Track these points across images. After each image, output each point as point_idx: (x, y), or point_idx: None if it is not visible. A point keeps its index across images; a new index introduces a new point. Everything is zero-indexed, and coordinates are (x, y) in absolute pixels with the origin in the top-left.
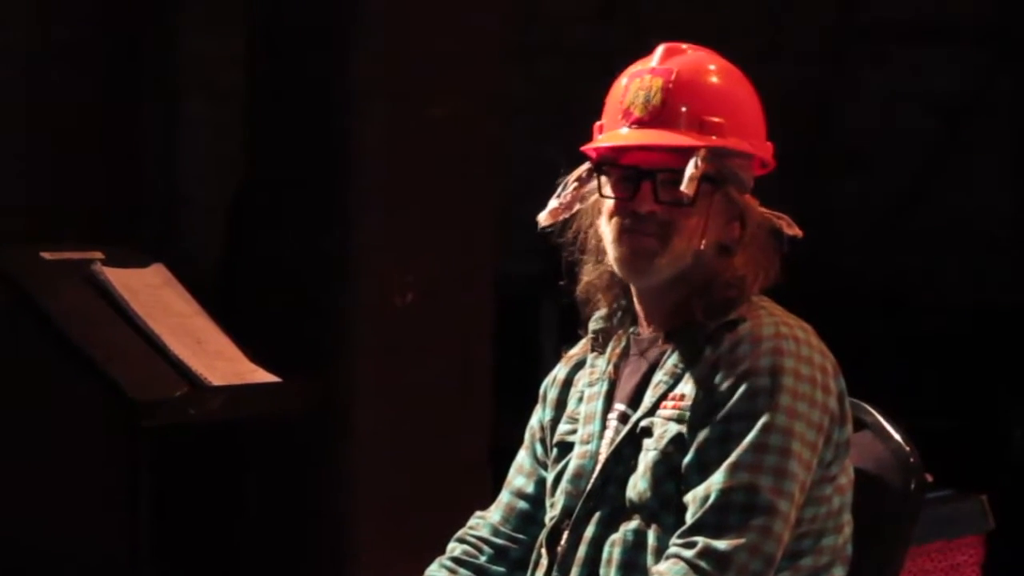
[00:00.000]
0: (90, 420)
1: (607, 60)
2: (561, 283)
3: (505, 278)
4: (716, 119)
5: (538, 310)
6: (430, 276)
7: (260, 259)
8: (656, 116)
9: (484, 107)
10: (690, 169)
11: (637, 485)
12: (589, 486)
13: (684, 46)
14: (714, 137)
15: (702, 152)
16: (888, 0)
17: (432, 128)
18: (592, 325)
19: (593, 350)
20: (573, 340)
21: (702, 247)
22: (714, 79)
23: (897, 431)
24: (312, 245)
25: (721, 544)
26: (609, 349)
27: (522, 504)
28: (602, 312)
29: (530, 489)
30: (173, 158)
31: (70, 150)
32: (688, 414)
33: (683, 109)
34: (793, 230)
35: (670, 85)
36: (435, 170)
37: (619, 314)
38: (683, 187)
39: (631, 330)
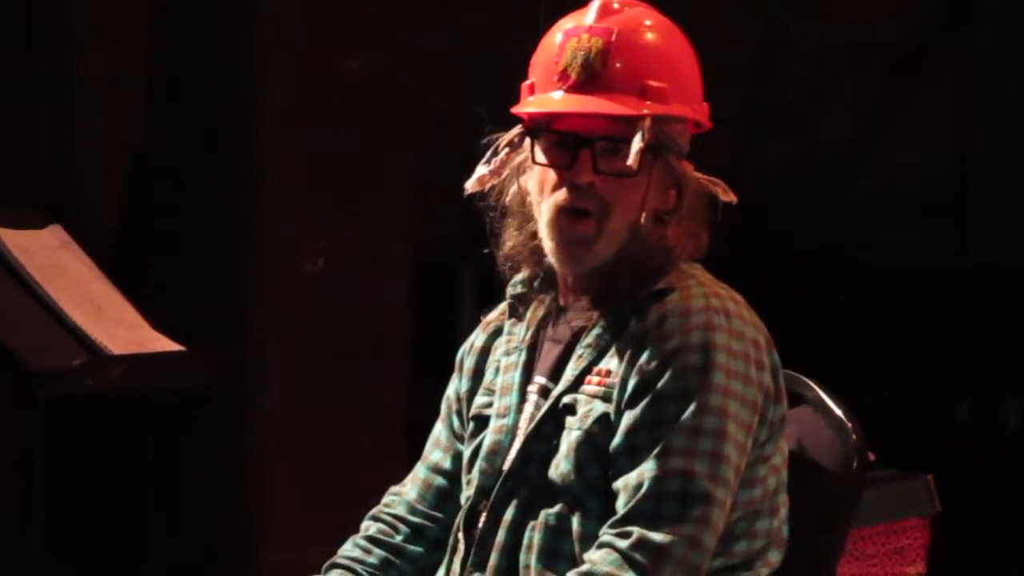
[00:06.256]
0: None
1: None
2: (483, 249)
3: (421, 242)
4: (659, 84)
5: (456, 275)
6: (343, 241)
7: (164, 221)
8: (595, 80)
9: (400, 62)
10: (637, 142)
11: (560, 466)
12: (508, 465)
13: (616, 2)
14: (658, 104)
15: (647, 122)
16: None
17: (345, 84)
18: (511, 290)
19: (511, 316)
20: (493, 305)
21: (642, 220)
22: (655, 39)
23: (839, 406)
24: (218, 207)
25: (657, 536)
26: (528, 316)
27: (439, 480)
28: (522, 276)
29: (447, 464)
30: (69, 113)
31: None
32: (615, 392)
33: (625, 74)
34: (728, 196)
35: (610, 47)
36: (348, 129)
37: (540, 279)
38: (630, 160)
39: (553, 296)
